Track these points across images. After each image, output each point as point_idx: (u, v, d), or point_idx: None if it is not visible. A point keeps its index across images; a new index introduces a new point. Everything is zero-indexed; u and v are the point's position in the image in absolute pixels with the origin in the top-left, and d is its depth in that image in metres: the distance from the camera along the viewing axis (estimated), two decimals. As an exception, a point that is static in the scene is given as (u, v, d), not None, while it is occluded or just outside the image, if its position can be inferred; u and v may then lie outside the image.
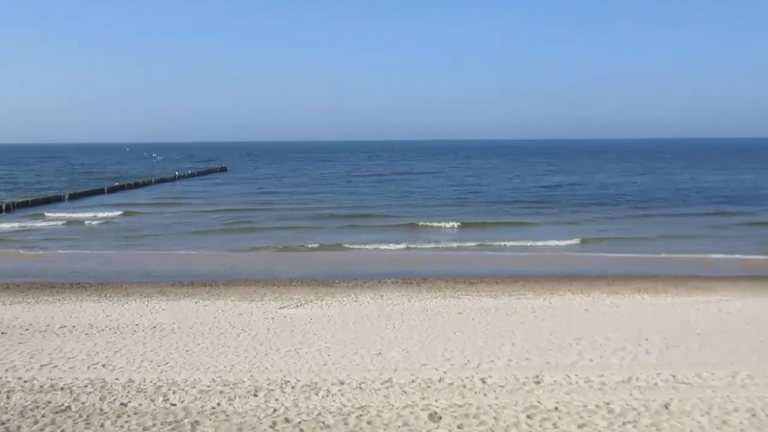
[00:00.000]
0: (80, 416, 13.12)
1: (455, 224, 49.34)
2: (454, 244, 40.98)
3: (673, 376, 15.41)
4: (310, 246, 40.04)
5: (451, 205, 64.36)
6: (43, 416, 13.12)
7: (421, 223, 50.03)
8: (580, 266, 34.08)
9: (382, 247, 39.65)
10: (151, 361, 16.93)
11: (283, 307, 23.28)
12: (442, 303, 24.16)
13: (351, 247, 39.81)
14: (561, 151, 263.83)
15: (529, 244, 40.33)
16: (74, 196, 74.75)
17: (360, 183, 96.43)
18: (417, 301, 24.67)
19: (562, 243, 40.18)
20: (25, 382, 15.29)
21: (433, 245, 40.51)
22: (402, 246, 39.83)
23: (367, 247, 39.81)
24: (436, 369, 15.94)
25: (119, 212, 57.80)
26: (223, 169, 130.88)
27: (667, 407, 13.51)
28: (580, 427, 12.57)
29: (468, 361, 16.60)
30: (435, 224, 49.34)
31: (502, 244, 40.25)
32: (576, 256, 37.12)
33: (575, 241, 40.65)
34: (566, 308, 23.63)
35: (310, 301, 24.38)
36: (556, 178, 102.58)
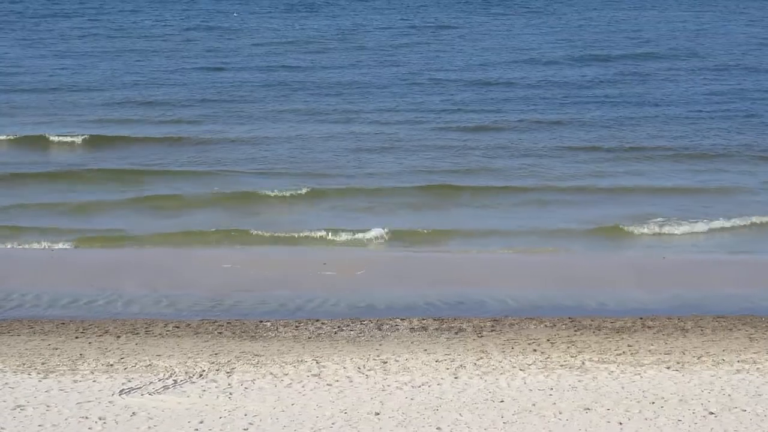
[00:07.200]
0: None
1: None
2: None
3: None
4: (210, 232, 18.92)
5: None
6: None
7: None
8: None
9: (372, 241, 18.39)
10: None
11: (128, 389, 10.87)
12: (540, 381, 11.26)
13: (304, 236, 18.78)
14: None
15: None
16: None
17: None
18: (473, 375, 11.50)
19: None
20: None
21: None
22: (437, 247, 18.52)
23: (343, 238, 18.48)
24: None
25: None
26: None
27: None
28: None
29: None
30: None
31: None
32: None
33: None
34: None
35: (200, 375, 11.28)
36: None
